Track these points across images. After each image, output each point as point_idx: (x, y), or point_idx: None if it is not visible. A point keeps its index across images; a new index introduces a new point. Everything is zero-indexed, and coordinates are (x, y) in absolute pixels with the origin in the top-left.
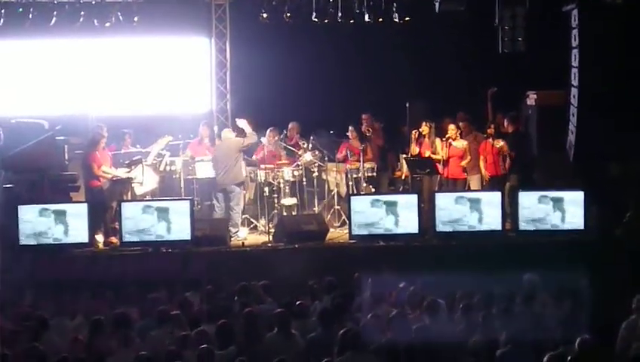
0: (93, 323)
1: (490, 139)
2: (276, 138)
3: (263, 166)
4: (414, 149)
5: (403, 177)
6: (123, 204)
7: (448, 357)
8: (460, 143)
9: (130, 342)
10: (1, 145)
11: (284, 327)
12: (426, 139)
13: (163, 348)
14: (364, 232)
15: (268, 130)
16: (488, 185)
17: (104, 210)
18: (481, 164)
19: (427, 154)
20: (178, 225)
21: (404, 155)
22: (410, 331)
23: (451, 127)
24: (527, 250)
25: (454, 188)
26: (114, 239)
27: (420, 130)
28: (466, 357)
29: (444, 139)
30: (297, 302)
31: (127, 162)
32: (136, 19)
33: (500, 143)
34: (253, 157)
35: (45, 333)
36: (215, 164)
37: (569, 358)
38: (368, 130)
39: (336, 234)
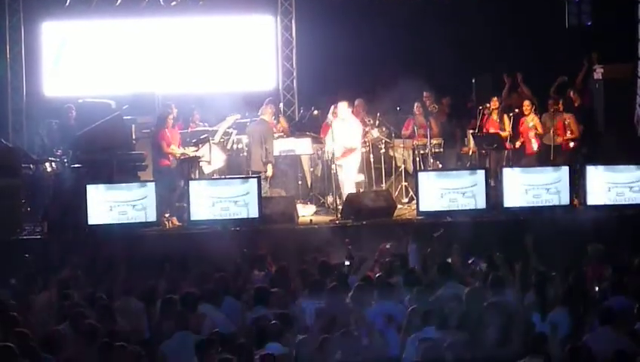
0: (162, 302)
1: (560, 114)
2: None
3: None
4: (482, 124)
5: (470, 153)
6: (191, 183)
7: None
8: (533, 118)
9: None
10: (71, 124)
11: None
12: (494, 114)
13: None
14: (432, 208)
15: (332, 107)
16: (558, 160)
17: (172, 189)
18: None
19: (492, 130)
20: (246, 204)
21: (472, 131)
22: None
23: (526, 103)
24: (595, 224)
25: (528, 163)
26: (175, 221)
27: (489, 105)
28: None
29: (511, 114)
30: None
31: (194, 141)
32: None
33: (568, 118)
34: (321, 135)
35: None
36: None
37: None
38: (434, 106)
39: (404, 210)
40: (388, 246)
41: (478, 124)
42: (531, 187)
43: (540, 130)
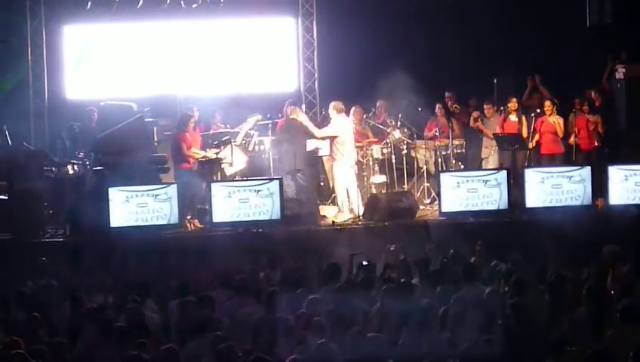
0: (180, 304)
1: (585, 114)
2: (364, 116)
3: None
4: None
5: (492, 153)
6: (213, 185)
7: None
8: (554, 119)
9: (213, 324)
10: (93, 127)
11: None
12: (512, 115)
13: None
14: (454, 209)
15: (352, 109)
16: (580, 160)
17: (193, 192)
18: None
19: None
20: (268, 205)
21: (493, 131)
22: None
23: (547, 103)
24: (617, 224)
25: (548, 164)
26: (197, 223)
27: (509, 105)
28: None
29: (532, 114)
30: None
31: (216, 143)
32: (222, 0)
33: (594, 118)
34: None
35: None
36: (279, 144)
37: None
38: (456, 107)
39: (427, 211)
40: (392, 248)
41: (499, 124)
42: (553, 187)
43: (560, 130)
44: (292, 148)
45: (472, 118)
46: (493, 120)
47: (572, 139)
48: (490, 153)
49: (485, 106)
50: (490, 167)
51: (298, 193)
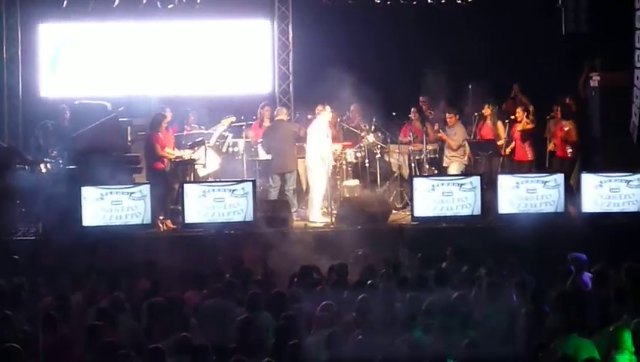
0: (148, 306)
1: (559, 122)
2: (338, 120)
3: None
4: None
5: (466, 159)
6: (185, 186)
7: None
8: (525, 125)
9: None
10: (66, 125)
11: None
12: (488, 121)
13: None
14: (427, 214)
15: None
16: (554, 167)
17: (166, 192)
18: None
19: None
20: (241, 207)
21: (467, 138)
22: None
23: (517, 110)
24: (590, 232)
25: (519, 171)
26: (170, 223)
27: (482, 111)
28: None
29: (506, 121)
30: (369, 282)
31: (189, 143)
32: (198, 1)
33: (568, 126)
34: None
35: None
36: (268, 145)
37: None
38: (430, 112)
39: (399, 215)
40: (360, 252)
41: (473, 130)
42: (528, 192)
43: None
44: (282, 149)
45: (432, 130)
46: (456, 128)
47: (551, 146)
48: (450, 162)
49: (447, 116)
50: None
51: (279, 195)
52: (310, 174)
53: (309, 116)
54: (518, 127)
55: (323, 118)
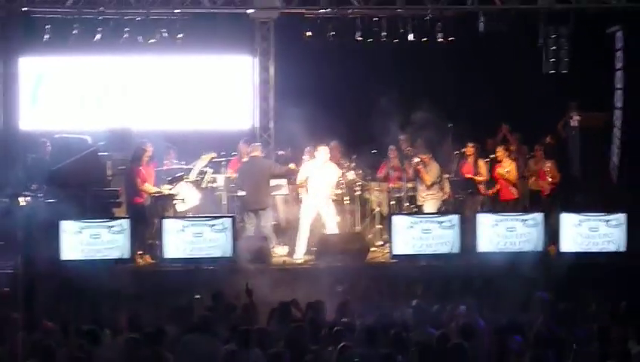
0: (128, 341)
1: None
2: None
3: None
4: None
5: (446, 197)
6: (164, 221)
7: None
8: (508, 165)
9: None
10: (47, 159)
11: None
12: (469, 159)
13: None
14: (406, 252)
15: (306, 150)
16: (535, 206)
17: (145, 227)
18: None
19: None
20: (220, 242)
21: (447, 176)
22: None
23: (498, 149)
24: (570, 272)
25: (503, 210)
26: (149, 258)
27: (464, 150)
28: None
29: (487, 159)
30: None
31: (169, 179)
32: (180, 36)
33: (548, 164)
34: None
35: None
36: (242, 182)
37: None
38: (409, 150)
39: (378, 253)
40: (340, 288)
41: (454, 168)
42: (505, 233)
43: (512, 177)
44: (256, 186)
45: (410, 165)
46: (430, 166)
47: (532, 183)
48: (424, 200)
49: (422, 157)
50: None
51: (256, 231)
52: (310, 211)
53: (305, 157)
54: (502, 173)
55: (321, 157)
